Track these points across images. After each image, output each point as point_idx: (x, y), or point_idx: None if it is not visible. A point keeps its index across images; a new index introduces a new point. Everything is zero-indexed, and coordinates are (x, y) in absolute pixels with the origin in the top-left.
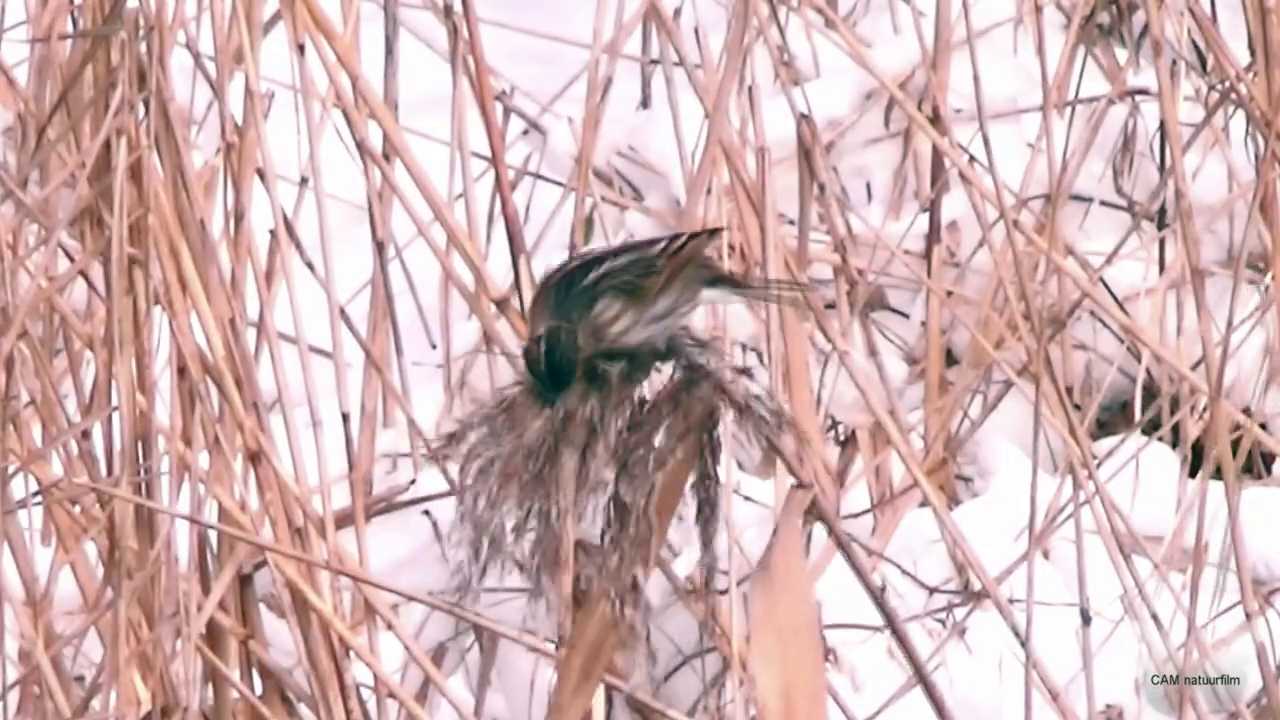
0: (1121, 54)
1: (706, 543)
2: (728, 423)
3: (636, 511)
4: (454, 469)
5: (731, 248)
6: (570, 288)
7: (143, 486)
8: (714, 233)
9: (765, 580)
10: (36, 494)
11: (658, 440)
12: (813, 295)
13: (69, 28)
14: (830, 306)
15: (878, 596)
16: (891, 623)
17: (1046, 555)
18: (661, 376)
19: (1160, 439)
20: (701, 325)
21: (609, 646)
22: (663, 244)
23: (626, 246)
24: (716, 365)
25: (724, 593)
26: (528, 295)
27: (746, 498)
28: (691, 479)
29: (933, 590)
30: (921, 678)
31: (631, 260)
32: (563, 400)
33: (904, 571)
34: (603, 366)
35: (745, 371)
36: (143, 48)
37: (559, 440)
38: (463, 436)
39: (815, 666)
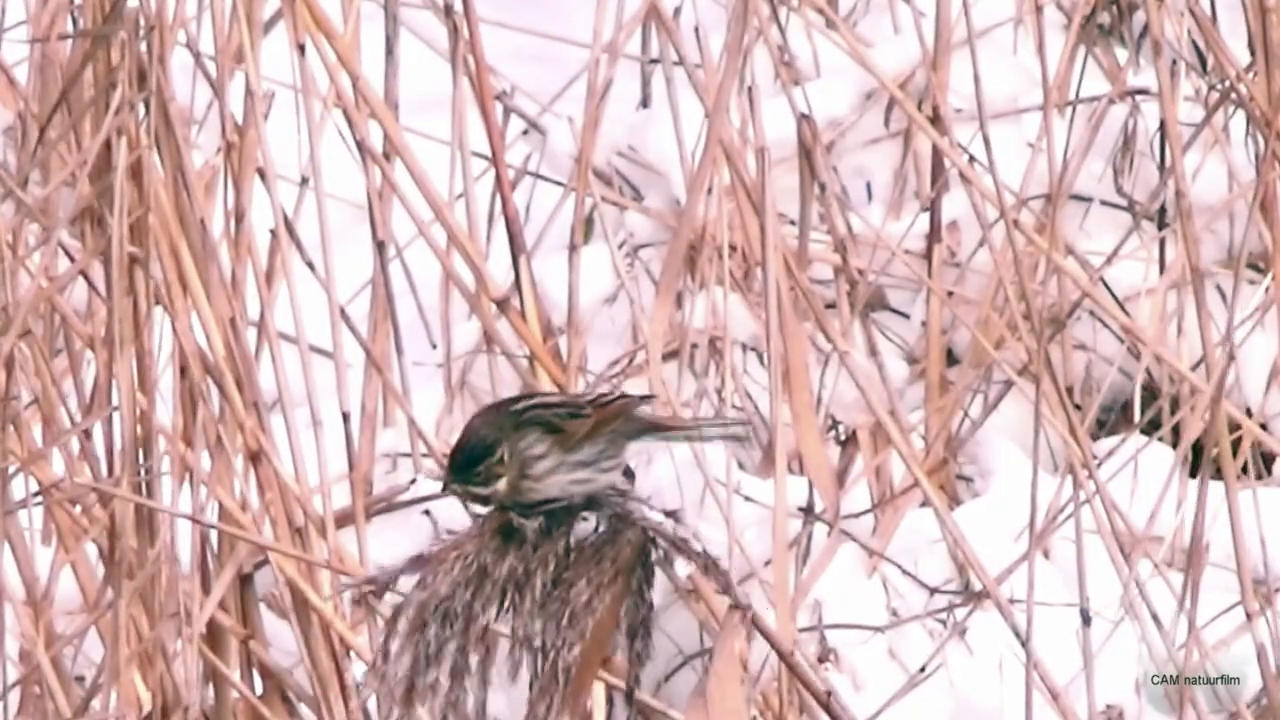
0: (1122, 54)
1: (634, 660)
2: (657, 555)
3: (565, 662)
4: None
5: (733, 248)
6: (498, 416)
7: (143, 486)
8: (646, 398)
9: (700, 707)
10: (37, 494)
11: (583, 592)
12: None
13: (69, 27)
14: (831, 306)
15: None
16: None
17: (1047, 555)
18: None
19: (1160, 439)
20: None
21: None
22: (593, 397)
23: (562, 394)
24: (642, 512)
25: (724, 593)
26: (528, 295)
27: (747, 498)
28: (626, 606)
29: (933, 590)
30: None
31: (561, 401)
32: (481, 550)
33: (905, 571)
34: (518, 521)
35: (672, 514)
36: (143, 47)
37: (474, 596)
38: (388, 582)
39: None
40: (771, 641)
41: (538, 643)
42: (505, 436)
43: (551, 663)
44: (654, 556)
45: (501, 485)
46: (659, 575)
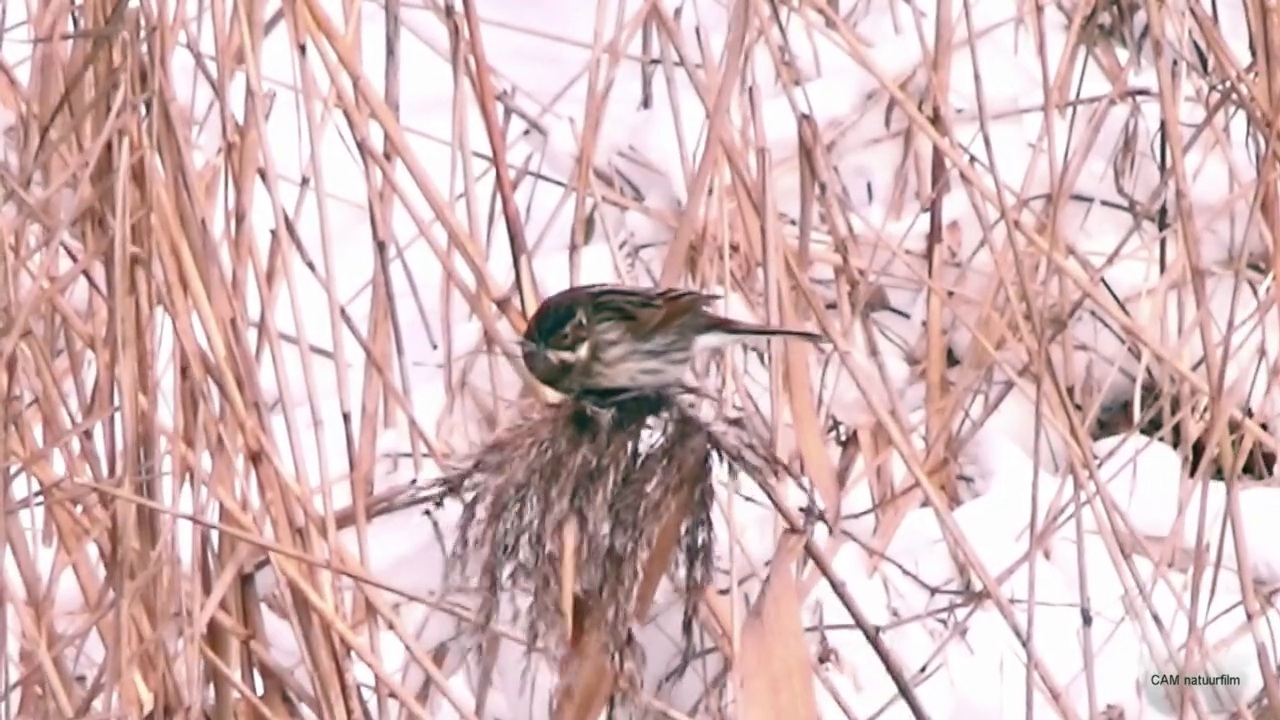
0: (1122, 54)
1: (695, 588)
2: (720, 472)
3: (632, 565)
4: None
5: (734, 248)
6: (574, 290)
7: (144, 486)
8: (713, 297)
9: (757, 628)
10: (38, 494)
11: (652, 492)
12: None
13: (70, 28)
14: (831, 306)
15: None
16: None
17: (1047, 555)
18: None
19: (1161, 439)
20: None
21: (602, 696)
22: (663, 290)
23: (634, 288)
24: (708, 417)
25: (725, 592)
26: (529, 295)
27: (747, 498)
28: (685, 527)
29: (934, 590)
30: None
31: (633, 290)
32: (556, 438)
33: (905, 571)
34: (591, 410)
35: (737, 422)
36: (144, 48)
37: (549, 485)
38: (464, 475)
39: (808, 712)
40: (823, 568)
41: (609, 543)
42: (583, 308)
43: (623, 563)
44: (715, 469)
45: (583, 351)
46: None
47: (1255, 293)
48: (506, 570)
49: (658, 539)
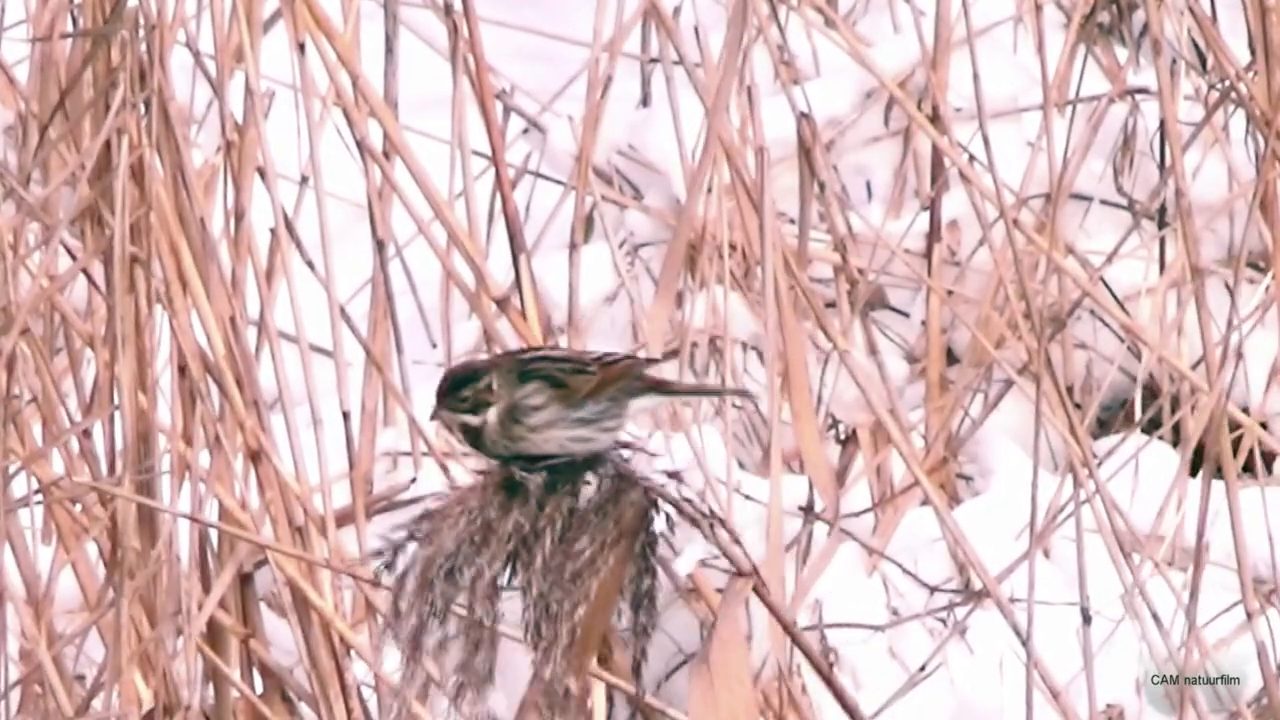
0: (1122, 53)
1: (639, 632)
2: (660, 523)
3: (569, 623)
4: (388, 579)
5: (733, 247)
6: (504, 356)
7: (144, 485)
8: (651, 360)
9: (704, 674)
10: (37, 493)
11: (587, 549)
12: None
13: (69, 27)
14: (831, 305)
15: None
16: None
17: (1047, 554)
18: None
19: (1160, 438)
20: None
21: None
22: (598, 355)
23: (568, 350)
24: (644, 472)
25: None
26: (528, 294)
27: (747, 497)
28: (631, 573)
29: (934, 589)
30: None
31: (566, 358)
32: (485, 505)
33: (905, 570)
34: (521, 476)
35: (675, 475)
36: (143, 47)
37: (479, 553)
38: (397, 548)
39: None
40: (774, 611)
41: (543, 603)
42: (501, 374)
43: (559, 623)
44: (655, 520)
45: (491, 416)
46: (660, 554)
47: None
48: (434, 639)
49: (598, 592)
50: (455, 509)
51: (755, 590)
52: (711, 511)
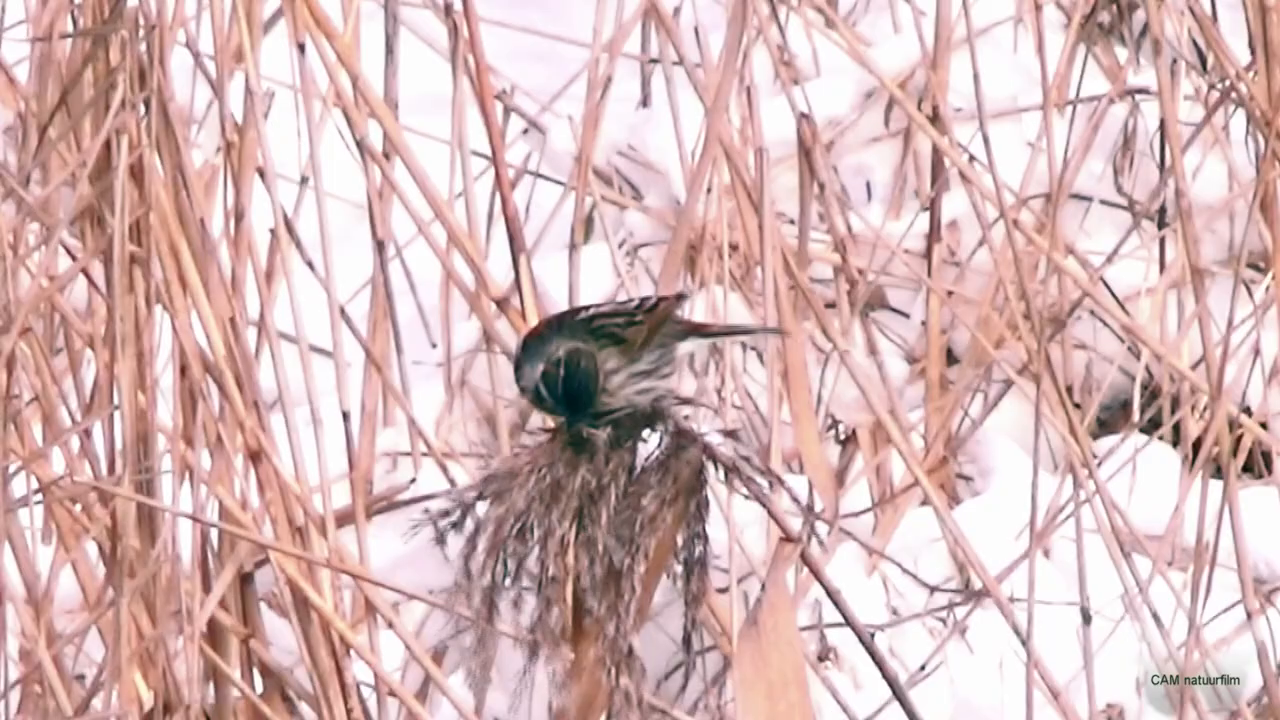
0: (1122, 53)
1: (693, 601)
2: (716, 483)
3: (630, 579)
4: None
5: (733, 247)
6: (562, 324)
7: (144, 485)
8: (680, 297)
9: (753, 637)
10: (37, 492)
11: (648, 506)
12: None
13: (69, 27)
14: (830, 306)
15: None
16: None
17: (1047, 554)
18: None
19: (1160, 438)
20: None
21: (598, 710)
22: (636, 302)
23: (600, 304)
24: (703, 428)
25: (724, 591)
26: (528, 294)
27: (746, 497)
28: (681, 539)
29: (933, 589)
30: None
31: (615, 311)
32: (554, 463)
33: (905, 570)
34: (588, 432)
35: (733, 433)
36: (143, 47)
37: (549, 510)
38: (466, 508)
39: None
40: (819, 577)
41: (608, 559)
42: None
43: (620, 579)
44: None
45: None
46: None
47: (1251, 294)
48: (509, 598)
49: (654, 552)
50: (525, 467)
51: (802, 556)
52: (769, 468)
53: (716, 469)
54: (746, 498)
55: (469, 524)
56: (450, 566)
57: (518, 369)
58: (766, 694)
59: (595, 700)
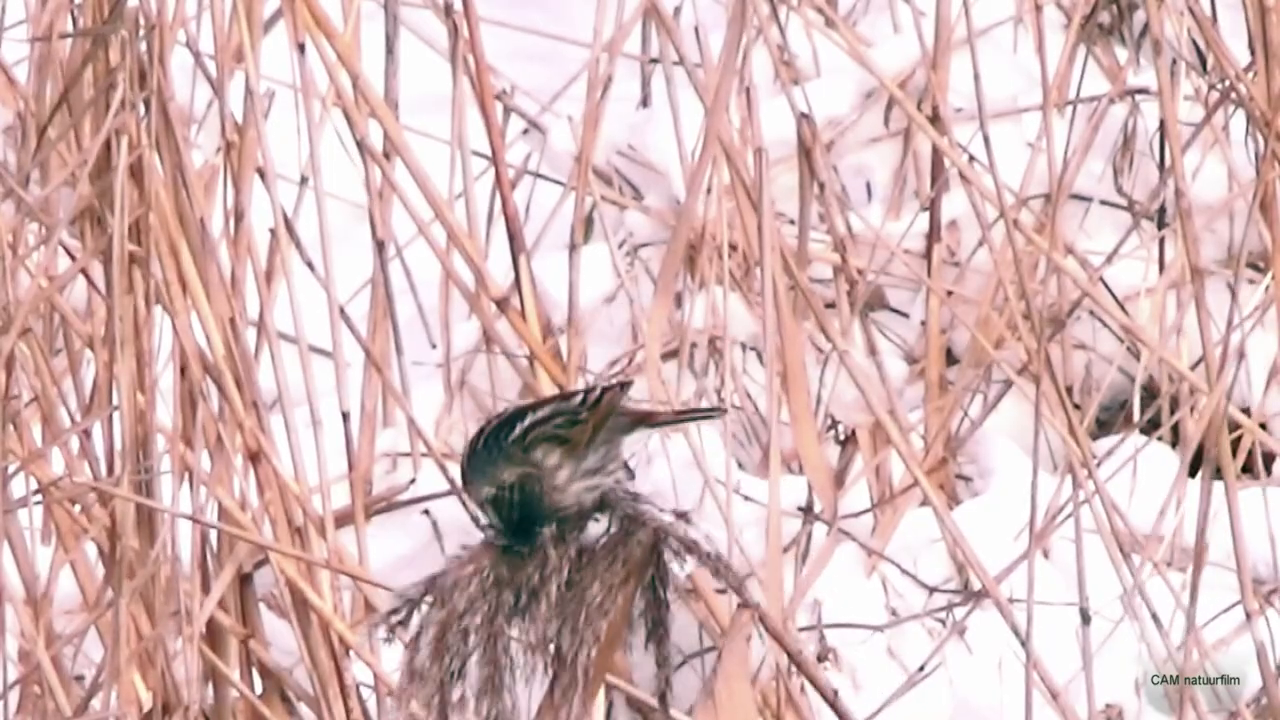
0: (1121, 53)
1: (661, 663)
2: (672, 561)
3: (580, 666)
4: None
5: (733, 247)
6: (499, 443)
7: (143, 486)
8: (625, 386)
9: (709, 709)
10: (37, 493)
11: (595, 594)
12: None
13: (69, 27)
14: (830, 306)
15: None
16: None
17: (1046, 555)
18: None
19: (1160, 439)
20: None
21: None
22: (580, 397)
23: (540, 401)
24: (653, 513)
25: (723, 592)
26: (528, 294)
27: (746, 497)
28: (640, 607)
29: (933, 590)
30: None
31: (553, 411)
32: (496, 563)
33: (904, 571)
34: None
35: (683, 515)
36: (143, 47)
37: (493, 609)
38: (411, 609)
39: None
40: (780, 642)
41: (554, 646)
42: (529, 471)
43: (570, 666)
44: (666, 555)
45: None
46: (672, 573)
47: (1235, 294)
48: (456, 694)
49: (606, 630)
50: (467, 568)
51: (761, 621)
52: (716, 553)
53: (668, 548)
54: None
55: (414, 623)
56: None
57: (465, 482)
58: None
59: None
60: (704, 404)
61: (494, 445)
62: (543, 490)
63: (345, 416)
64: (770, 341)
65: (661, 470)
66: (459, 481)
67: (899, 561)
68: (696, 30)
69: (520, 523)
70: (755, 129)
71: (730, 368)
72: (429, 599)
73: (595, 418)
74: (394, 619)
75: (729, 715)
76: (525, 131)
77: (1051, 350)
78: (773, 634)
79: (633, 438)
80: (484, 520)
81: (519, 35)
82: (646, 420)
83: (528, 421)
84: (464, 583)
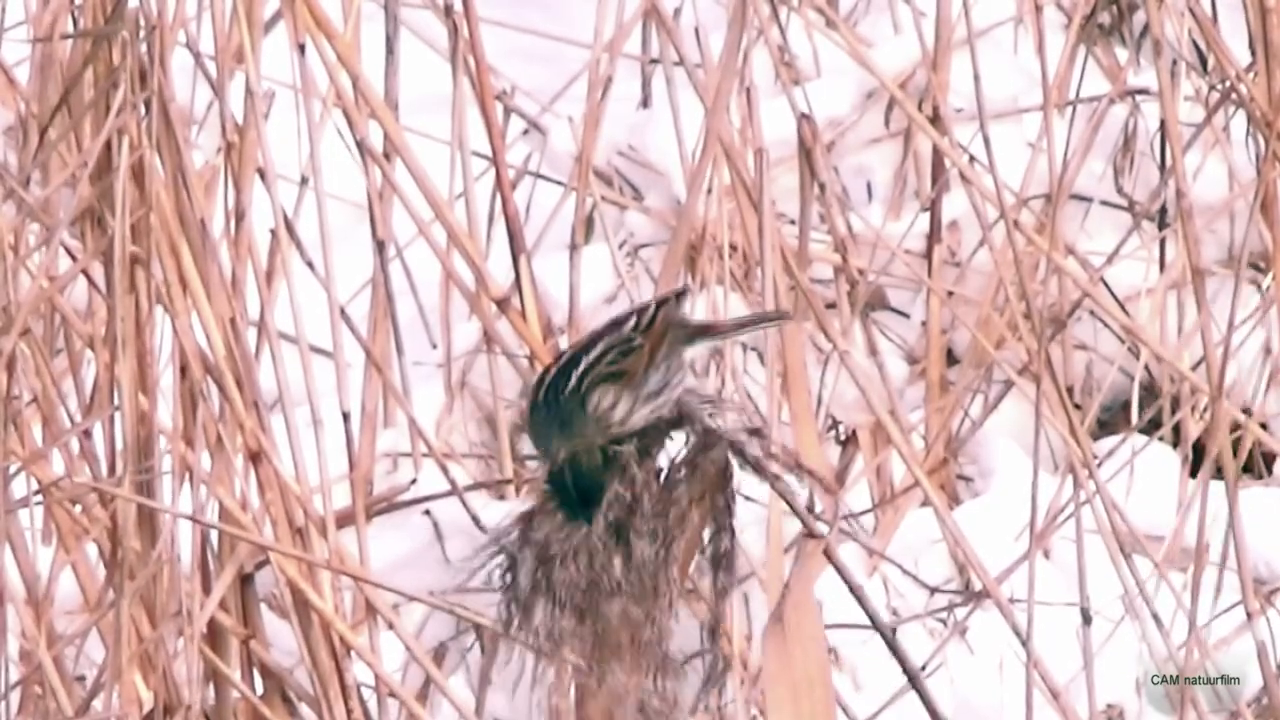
0: (1122, 54)
1: (720, 595)
2: (743, 480)
3: (665, 577)
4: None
5: (733, 247)
6: (558, 397)
7: (144, 486)
8: (680, 294)
9: (778, 634)
10: (37, 493)
11: (680, 504)
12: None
13: (70, 27)
14: (831, 306)
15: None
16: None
17: (1047, 555)
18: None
19: (1160, 439)
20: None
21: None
22: (633, 320)
23: (596, 335)
24: (728, 426)
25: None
26: (528, 294)
27: (747, 497)
28: (707, 534)
29: (934, 590)
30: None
31: (606, 346)
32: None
33: (905, 571)
34: (613, 449)
35: (757, 432)
36: (143, 47)
37: (588, 533)
38: (506, 545)
39: (828, 718)
40: (841, 573)
41: (642, 558)
42: (589, 435)
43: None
44: (734, 479)
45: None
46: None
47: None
48: (564, 623)
49: (682, 553)
50: (547, 506)
51: (825, 552)
52: (799, 464)
53: (743, 466)
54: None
55: (502, 558)
56: (449, 568)
57: (533, 442)
58: (791, 692)
59: (627, 704)
60: (762, 312)
61: (552, 401)
62: (598, 461)
63: (346, 417)
64: (771, 341)
65: None
66: (526, 441)
67: (900, 562)
68: (697, 31)
69: (582, 501)
70: (756, 129)
71: (730, 368)
72: (514, 535)
73: (651, 340)
74: (491, 560)
75: (798, 642)
76: (525, 132)
77: (1052, 350)
78: (836, 566)
79: (695, 349)
80: (549, 488)
81: (519, 35)
82: (707, 331)
83: (581, 367)
84: (545, 518)
